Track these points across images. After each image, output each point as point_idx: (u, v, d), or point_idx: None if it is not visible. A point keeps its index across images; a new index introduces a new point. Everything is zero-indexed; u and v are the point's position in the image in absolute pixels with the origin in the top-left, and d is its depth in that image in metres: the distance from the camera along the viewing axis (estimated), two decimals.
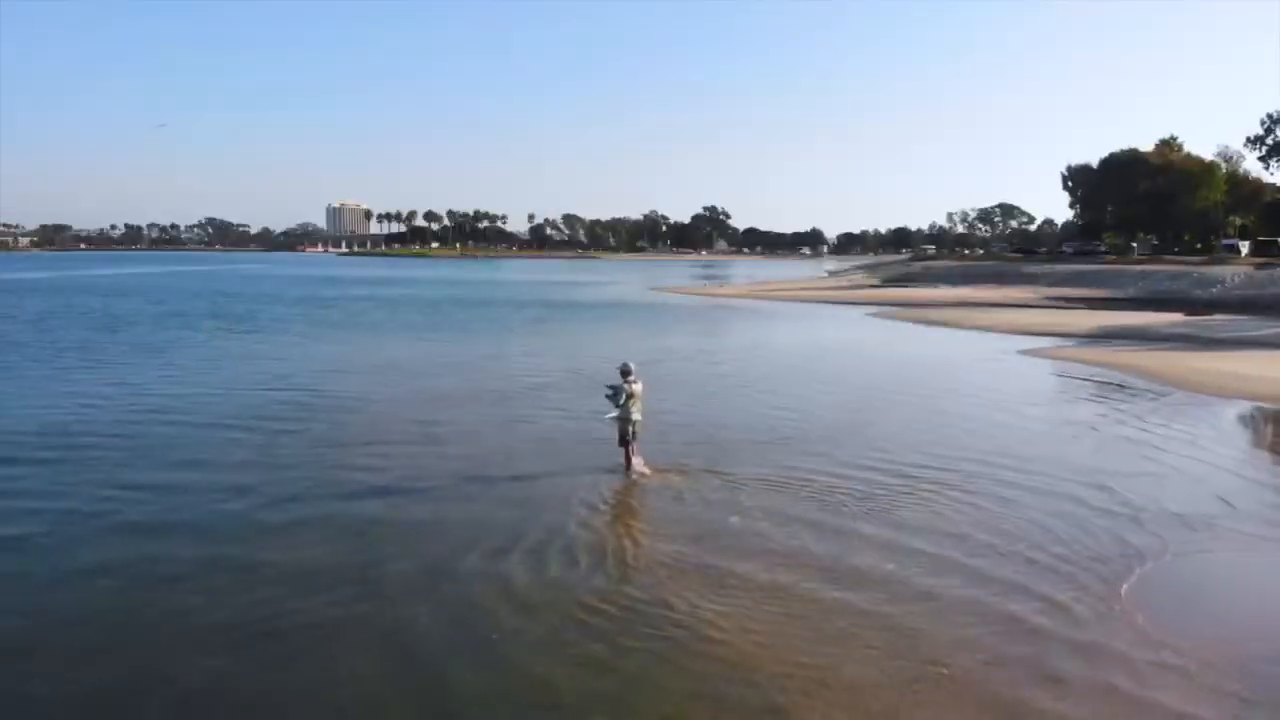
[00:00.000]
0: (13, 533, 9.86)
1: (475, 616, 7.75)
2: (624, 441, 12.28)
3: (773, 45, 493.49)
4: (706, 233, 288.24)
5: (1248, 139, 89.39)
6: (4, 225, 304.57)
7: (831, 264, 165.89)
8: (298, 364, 24.76)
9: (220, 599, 8.12)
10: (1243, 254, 60.93)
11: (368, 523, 10.36)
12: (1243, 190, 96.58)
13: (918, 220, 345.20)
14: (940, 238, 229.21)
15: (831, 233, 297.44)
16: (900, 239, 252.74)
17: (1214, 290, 44.39)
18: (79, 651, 7.12)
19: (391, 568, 8.87)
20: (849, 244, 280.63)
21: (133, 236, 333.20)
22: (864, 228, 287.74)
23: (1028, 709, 6.25)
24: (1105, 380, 22.09)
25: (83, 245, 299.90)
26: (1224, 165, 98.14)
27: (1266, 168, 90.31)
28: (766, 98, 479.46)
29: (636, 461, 12.32)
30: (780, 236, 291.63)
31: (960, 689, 6.51)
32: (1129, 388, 20.88)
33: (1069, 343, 30.10)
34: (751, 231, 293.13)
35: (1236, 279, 45.76)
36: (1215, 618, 8.05)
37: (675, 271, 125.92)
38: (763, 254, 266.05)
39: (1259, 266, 49.46)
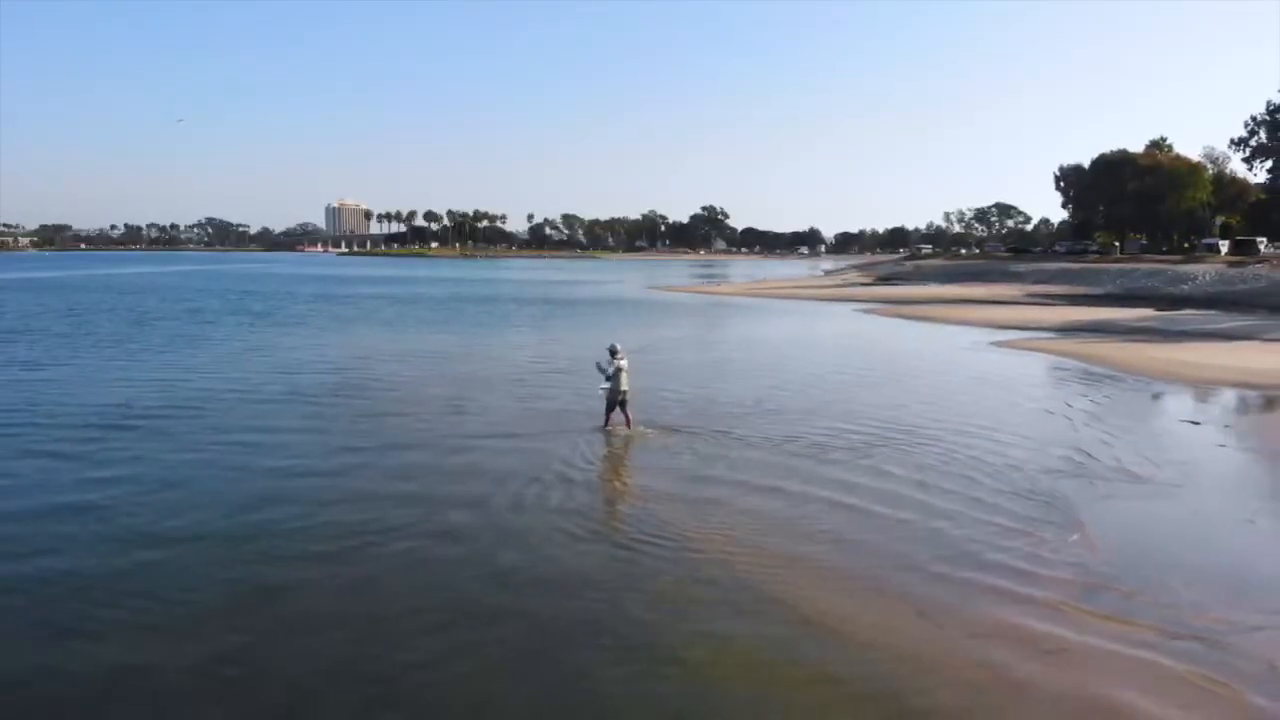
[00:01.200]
0: (149, 449, 12.30)
1: (512, 526, 9.86)
2: (611, 408, 14.73)
3: (772, 45, 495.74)
4: (705, 232, 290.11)
5: (1231, 140, 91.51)
6: (4, 225, 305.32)
7: (828, 263, 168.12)
8: (327, 353, 26.84)
9: (320, 493, 11.19)
10: (1222, 252, 63.00)
11: (415, 448, 13.14)
12: (1229, 190, 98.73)
13: (916, 220, 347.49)
14: (937, 237, 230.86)
15: (830, 232, 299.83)
16: (897, 238, 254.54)
17: (1185, 287, 46.49)
18: (227, 525, 9.93)
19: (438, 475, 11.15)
20: (846, 243, 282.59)
21: (132, 236, 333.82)
22: (862, 227, 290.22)
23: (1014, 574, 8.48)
24: (1067, 367, 24.21)
25: (82, 245, 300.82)
26: (1210, 166, 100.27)
27: (1250, 168, 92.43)
28: (766, 98, 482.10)
29: (628, 422, 14.65)
30: (778, 236, 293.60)
31: (924, 571, 8.61)
32: (1089, 373, 22.95)
33: (1040, 335, 32.20)
34: (750, 231, 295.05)
35: (1207, 276, 47.87)
36: (1141, 535, 10.08)
37: (674, 271, 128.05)
38: (761, 253, 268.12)
39: (1232, 264, 51.58)
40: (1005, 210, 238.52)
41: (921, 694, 6.43)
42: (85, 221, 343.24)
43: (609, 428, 14.72)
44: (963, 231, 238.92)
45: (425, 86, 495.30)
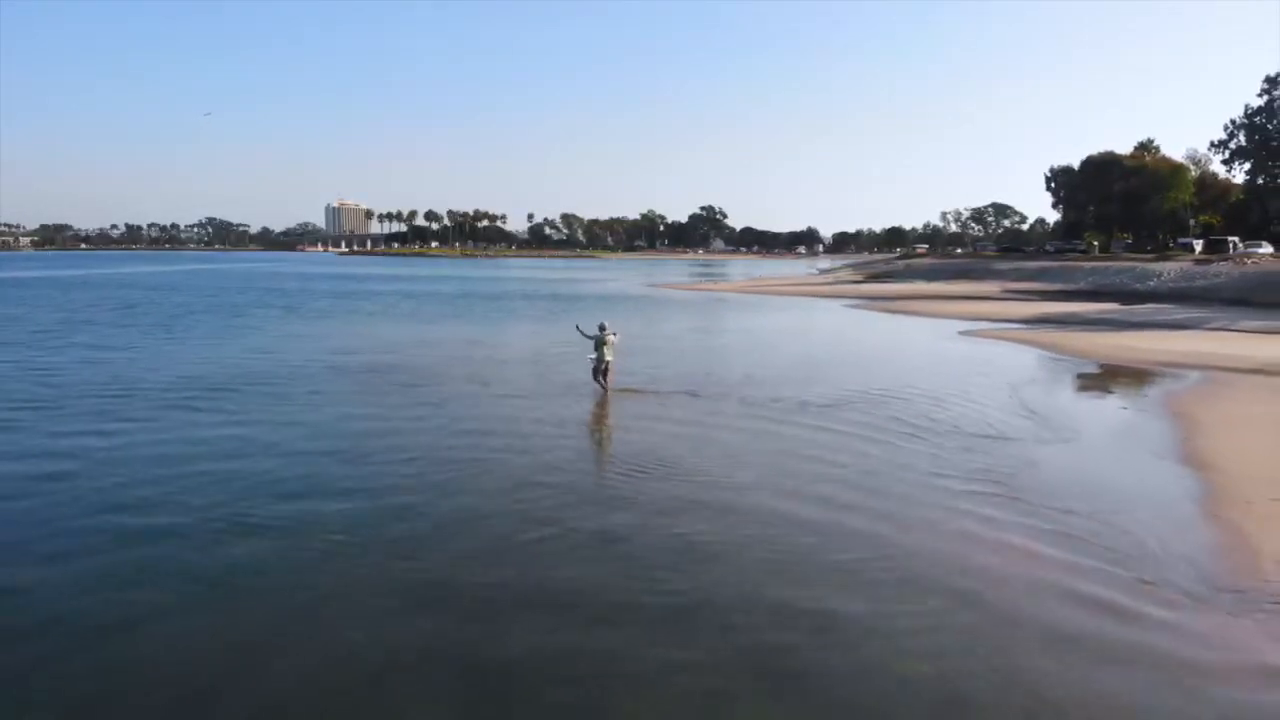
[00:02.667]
0: (257, 405, 15.14)
1: (534, 458, 12.83)
2: (596, 375, 18.00)
3: (772, 45, 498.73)
4: (703, 232, 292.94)
5: (1211, 143, 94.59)
6: (5, 225, 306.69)
7: (825, 262, 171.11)
8: (361, 340, 29.83)
9: (404, 431, 14.19)
10: (1196, 251, 65.94)
11: (459, 401, 15.87)
12: (1211, 191, 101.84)
13: (915, 219, 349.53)
14: (934, 237, 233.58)
15: (828, 232, 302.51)
16: (894, 238, 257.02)
17: (1151, 283, 49.50)
18: (340, 448, 12.60)
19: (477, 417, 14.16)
20: (844, 243, 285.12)
21: (133, 236, 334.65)
22: (860, 227, 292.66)
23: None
24: (1023, 351, 27.18)
25: (83, 245, 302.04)
26: (1193, 168, 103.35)
27: (1228, 170, 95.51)
28: (765, 98, 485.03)
29: (605, 388, 17.86)
30: (777, 236, 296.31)
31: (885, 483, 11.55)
32: (1039, 356, 25.94)
33: (1007, 326, 35.19)
34: (748, 231, 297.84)
35: (1171, 273, 50.91)
36: (1037, 464, 12.92)
37: (672, 269, 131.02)
38: (759, 253, 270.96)
39: (1198, 262, 54.63)
40: (1002, 210, 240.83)
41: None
42: (85, 221, 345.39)
43: (604, 391, 17.82)
44: (959, 231, 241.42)
45: (425, 86, 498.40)
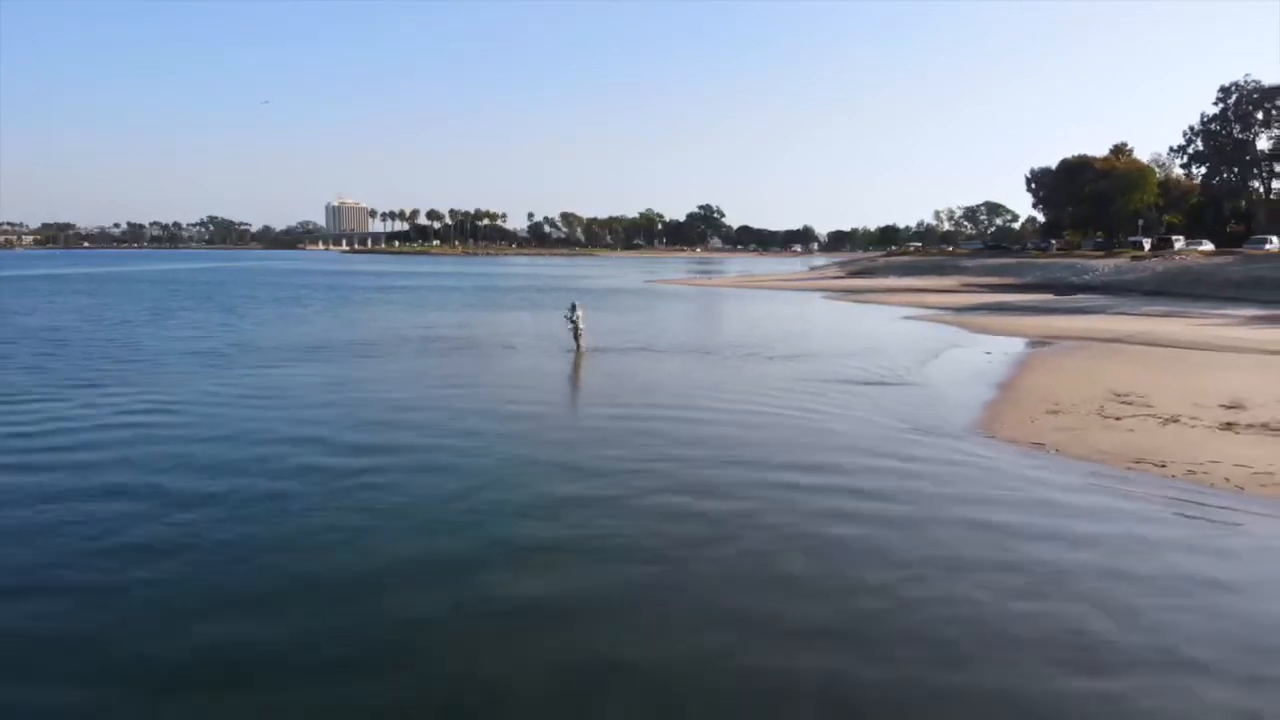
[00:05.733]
0: (364, 358, 21.67)
1: (534, 403, 19.49)
2: (574, 337, 24.71)
3: (770, 45, 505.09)
4: (701, 230, 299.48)
5: (1171, 148, 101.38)
6: (7, 224, 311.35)
7: (820, 260, 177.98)
8: (410, 320, 36.55)
9: (470, 375, 20.39)
10: (1145, 249, 72.59)
11: (498, 358, 22.31)
12: (1175, 192, 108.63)
13: (912, 217, 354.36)
14: (926, 235, 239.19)
15: (825, 230, 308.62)
16: (888, 236, 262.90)
17: (1087, 277, 56.23)
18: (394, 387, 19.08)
19: (498, 373, 20.76)
20: (839, 241, 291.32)
21: (134, 235, 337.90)
22: (855, 225, 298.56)
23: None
24: (944, 329, 33.86)
25: (85, 243, 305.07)
26: (1159, 170, 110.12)
27: (1188, 175, 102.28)
28: (763, 98, 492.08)
29: (584, 346, 24.57)
30: (773, 234, 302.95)
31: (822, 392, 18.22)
32: (956, 332, 32.60)
33: (941, 311, 41.89)
34: (745, 229, 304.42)
35: (1105, 269, 57.68)
36: (923, 390, 19.59)
37: (671, 266, 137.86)
38: (756, 251, 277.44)
39: (1135, 258, 61.42)
40: (995, 209, 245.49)
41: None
42: (87, 220, 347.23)
43: (579, 351, 24.52)
44: (953, 229, 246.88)
45: (425, 85, 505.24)
